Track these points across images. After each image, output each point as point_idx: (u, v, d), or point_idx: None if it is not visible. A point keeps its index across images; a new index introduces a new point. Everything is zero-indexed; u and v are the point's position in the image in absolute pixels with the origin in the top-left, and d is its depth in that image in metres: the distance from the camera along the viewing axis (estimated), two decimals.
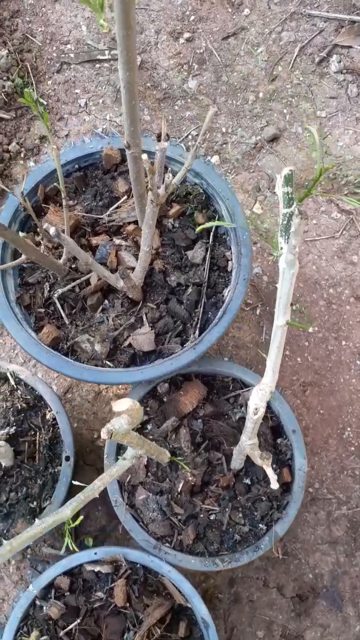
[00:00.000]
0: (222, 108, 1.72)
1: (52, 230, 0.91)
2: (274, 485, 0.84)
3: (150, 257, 1.10)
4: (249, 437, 0.94)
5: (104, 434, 0.79)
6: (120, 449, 1.15)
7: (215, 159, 1.67)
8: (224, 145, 1.69)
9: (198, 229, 0.84)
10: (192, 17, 1.82)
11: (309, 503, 1.45)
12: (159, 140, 1.18)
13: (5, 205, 1.20)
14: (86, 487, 0.87)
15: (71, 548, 0.78)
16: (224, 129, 1.70)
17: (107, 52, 1.81)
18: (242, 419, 1.17)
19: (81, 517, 0.78)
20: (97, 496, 1.45)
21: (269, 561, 1.41)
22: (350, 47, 1.78)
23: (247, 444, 0.96)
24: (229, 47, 1.80)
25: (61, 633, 1.06)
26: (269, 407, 1.18)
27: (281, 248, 0.71)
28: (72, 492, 1.25)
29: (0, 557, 0.68)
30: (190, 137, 1.69)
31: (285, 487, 1.14)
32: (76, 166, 1.25)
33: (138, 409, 0.74)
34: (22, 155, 1.69)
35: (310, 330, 0.74)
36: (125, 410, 0.71)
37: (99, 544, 1.39)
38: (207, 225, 0.81)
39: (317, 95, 1.73)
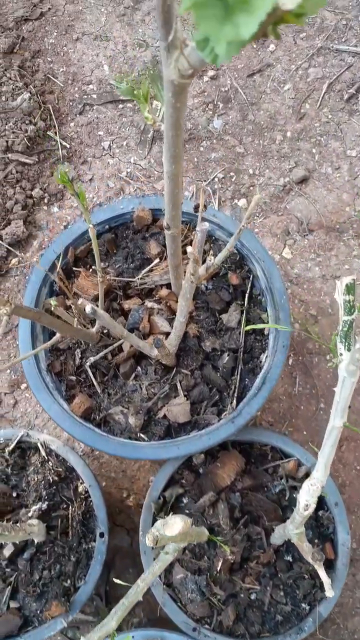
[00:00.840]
0: (248, 149, 1.68)
1: (88, 309, 0.88)
2: (329, 592, 0.80)
3: (185, 326, 1.06)
4: (296, 527, 0.90)
5: (149, 542, 0.75)
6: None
7: (242, 202, 1.62)
8: (251, 188, 1.64)
9: (246, 327, 0.80)
10: None
11: None
12: (195, 211, 1.14)
13: (33, 272, 1.16)
14: (128, 589, 0.83)
15: None
16: (251, 171, 1.66)
17: None
18: (283, 492, 1.13)
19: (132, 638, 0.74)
20: (127, 557, 1.40)
21: None
22: None
23: (294, 533, 0.91)
24: (255, 85, 1.76)
25: None
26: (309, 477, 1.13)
27: (341, 354, 0.66)
28: (107, 566, 1.21)
29: None
30: (216, 179, 1.65)
31: (328, 564, 1.09)
32: (106, 226, 1.21)
33: (189, 525, 0.69)
34: (45, 200, 1.66)
35: None
36: (178, 534, 0.67)
37: (131, 609, 1.35)
38: (258, 326, 0.76)
39: (347, 133, 1.68)
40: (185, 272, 1.11)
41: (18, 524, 0.99)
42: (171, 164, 0.71)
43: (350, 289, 0.63)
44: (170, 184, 0.76)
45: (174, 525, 0.68)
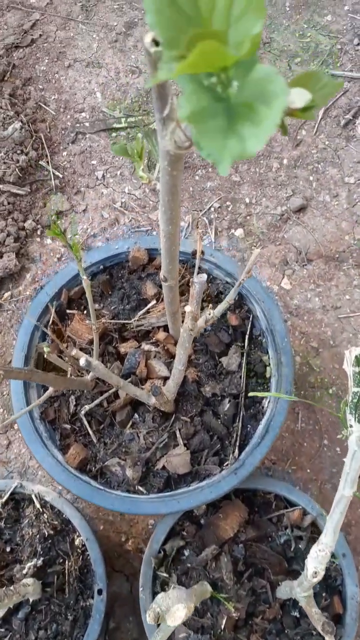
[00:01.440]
0: (244, 177, 1.65)
1: (82, 362, 0.84)
2: None
3: (184, 373, 1.02)
4: (304, 591, 0.86)
5: (150, 619, 0.71)
6: (156, 579, 1.06)
7: (239, 232, 1.59)
8: (248, 217, 1.61)
9: (251, 393, 0.77)
10: None
11: None
12: (193, 257, 1.11)
13: (26, 315, 1.12)
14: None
15: None
16: (247, 200, 1.63)
17: (123, 119, 1.75)
18: (288, 542, 1.09)
19: None
20: (127, 604, 1.36)
21: None
22: None
23: (302, 596, 0.87)
24: None
25: None
26: (315, 527, 1.09)
27: (351, 426, 0.63)
28: (106, 615, 1.16)
29: None
30: (212, 209, 1.62)
31: (337, 618, 1.04)
32: (101, 267, 1.18)
33: (192, 609, 0.65)
34: (38, 232, 1.63)
35: None
36: (182, 620, 0.63)
37: None
38: (260, 394, 0.73)
39: (345, 160, 1.66)
40: (183, 317, 1.07)
41: (12, 587, 0.95)
42: (168, 225, 0.68)
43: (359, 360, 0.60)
44: (167, 242, 0.73)
45: (176, 613, 0.63)
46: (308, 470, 1.40)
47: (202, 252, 1.00)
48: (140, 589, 1.05)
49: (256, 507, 1.12)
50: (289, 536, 1.08)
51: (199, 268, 1.10)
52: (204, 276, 0.81)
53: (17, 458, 1.44)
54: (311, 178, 1.64)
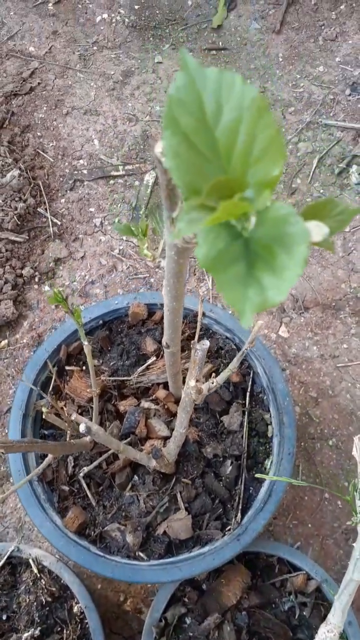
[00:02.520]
0: None
1: (82, 428, 0.82)
2: None
3: (185, 435, 1.00)
4: None
5: None
6: None
7: None
8: None
9: (258, 475, 0.75)
10: None
11: None
12: (194, 317, 1.10)
13: (23, 372, 1.11)
14: None
15: None
16: None
17: (120, 167, 1.76)
18: (292, 609, 1.06)
19: None
20: None
21: None
22: None
23: None
24: None
25: None
26: (320, 591, 1.06)
27: None
28: None
29: None
30: None
31: None
32: (100, 321, 1.17)
33: None
34: (36, 279, 1.62)
35: None
36: None
37: None
38: (262, 476, 0.71)
39: None
40: (184, 375, 1.06)
41: None
42: (172, 302, 0.67)
43: None
44: (170, 315, 0.73)
45: None
46: (309, 525, 1.37)
47: (204, 314, 1.00)
48: None
49: (259, 570, 1.09)
50: (293, 603, 1.05)
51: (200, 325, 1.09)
52: (207, 343, 0.80)
53: (13, 513, 1.40)
54: None
